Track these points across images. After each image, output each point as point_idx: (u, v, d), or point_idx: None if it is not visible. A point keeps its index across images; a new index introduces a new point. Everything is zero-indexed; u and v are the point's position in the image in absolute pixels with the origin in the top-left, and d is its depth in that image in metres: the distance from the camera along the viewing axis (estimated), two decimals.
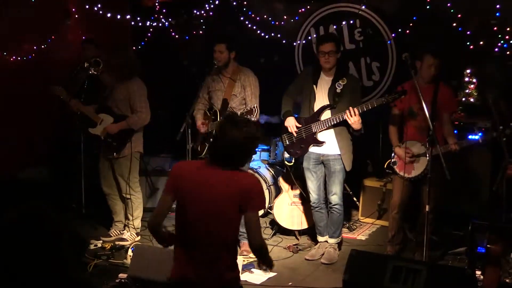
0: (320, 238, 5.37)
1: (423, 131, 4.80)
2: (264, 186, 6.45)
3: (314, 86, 5.09)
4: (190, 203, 2.97)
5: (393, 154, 5.04)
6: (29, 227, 2.01)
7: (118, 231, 5.61)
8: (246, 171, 3.18)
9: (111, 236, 5.56)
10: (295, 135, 5.13)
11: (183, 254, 3.01)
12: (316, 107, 5.07)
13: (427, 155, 4.65)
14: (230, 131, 2.96)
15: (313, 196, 5.25)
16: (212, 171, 2.98)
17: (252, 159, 6.73)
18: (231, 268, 3.10)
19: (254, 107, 4.87)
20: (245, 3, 7.29)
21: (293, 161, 5.74)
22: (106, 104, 5.48)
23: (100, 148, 5.57)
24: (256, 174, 6.47)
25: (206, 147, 5.29)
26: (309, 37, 7.17)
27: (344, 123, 4.95)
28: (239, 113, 4.95)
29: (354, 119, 4.74)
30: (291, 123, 5.11)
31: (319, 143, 5.06)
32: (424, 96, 4.46)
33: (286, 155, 5.80)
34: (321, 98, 5.06)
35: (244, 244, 5.41)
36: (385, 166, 5.14)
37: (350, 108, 4.75)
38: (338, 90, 4.99)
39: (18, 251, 1.97)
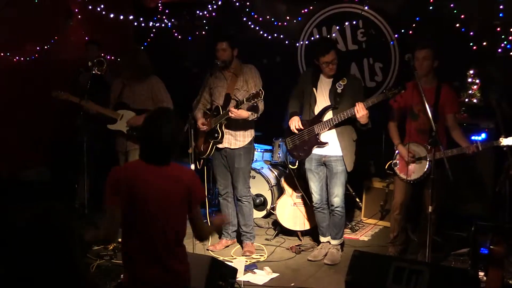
0: (322, 239, 5.37)
1: (424, 133, 4.80)
2: (267, 187, 6.46)
3: (314, 89, 5.09)
4: (144, 205, 2.91)
5: (395, 154, 5.02)
6: (43, 227, 2.01)
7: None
8: (180, 164, 3.12)
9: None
10: (297, 131, 5.11)
11: (141, 257, 2.94)
12: (317, 110, 5.07)
13: (428, 159, 4.65)
14: (163, 127, 2.94)
15: (316, 197, 5.25)
16: (155, 170, 2.96)
17: (255, 159, 6.75)
18: (183, 261, 3.09)
19: (260, 90, 4.88)
20: (248, 3, 7.30)
21: (297, 164, 5.73)
22: (122, 101, 5.52)
23: (119, 142, 5.59)
24: (259, 175, 6.48)
25: (210, 145, 5.28)
26: (312, 38, 7.17)
27: (346, 123, 4.95)
28: (245, 98, 4.95)
29: (361, 113, 4.72)
30: (295, 121, 5.11)
31: (322, 144, 5.06)
32: (426, 97, 4.44)
33: (290, 158, 5.80)
34: (322, 100, 5.06)
35: (247, 244, 5.42)
36: (386, 167, 5.13)
37: (357, 103, 4.74)
38: (339, 90, 4.98)
39: (31, 251, 1.98)
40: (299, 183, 5.79)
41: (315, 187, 5.23)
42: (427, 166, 4.72)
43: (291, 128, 5.12)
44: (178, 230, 3.05)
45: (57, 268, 2.00)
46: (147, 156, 2.99)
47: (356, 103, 4.74)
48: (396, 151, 5.00)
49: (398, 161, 4.96)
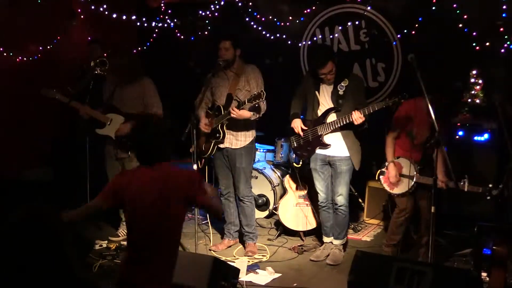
0: (325, 239, 5.37)
1: (418, 147, 4.84)
2: (269, 187, 6.46)
3: (317, 92, 5.10)
4: (137, 208, 3.08)
5: (384, 164, 5.01)
6: (33, 228, 2.01)
7: (125, 231, 5.62)
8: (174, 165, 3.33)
9: (119, 236, 5.57)
10: (302, 135, 5.13)
11: (134, 258, 3.09)
12: (320, 112, 5.08)
13: (414, 180, 4.74)
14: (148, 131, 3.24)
15: (321, 195, 5.26)
16: (146, 171, 3.16)
17: (257, 159, 6.75)
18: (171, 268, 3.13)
19: (261, 91, 4.88)
20: (250, 4, 7.29)
21: (300, 163, 5.74)
22: (112, 104, 5.50)
23: (107, 148, 5.57)
24: (261, 175, 6.48)
25: (212, 145, 5.28)
26: (315, 38, 7.17)
27: (350, 125, 4.95)
28: (246, 99, 4.95)
29: (359, 122, 4.76)
30: (297, 125, 5.12)
31: (325, 146, 5.06)
32: (422, 116, 4.54)
33: (293, 156, 5.82)
34: (325, 103, 5.07)
35: (249, 244, 5.42)
36: (376, 176, 5.13)
37: (354, 112, 4.75)
38: (341, 92, 4.99)
39: (23, 251, 1.98)
40: (302, 182, 5.80)
41: (320, 186, 5.24)
42: (409, 185, 4.80)
43: (296, 131, 5.13)
44: (172, 232, 3.11)
45: (49, 269, 2.00)
46: (139, 159, 3.25)
47: (353, 112, 4.76)
48: (386, 163, 4.99)
49: (385, 171, 4.98)
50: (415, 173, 4.75)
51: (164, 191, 3.07)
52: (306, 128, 5.12)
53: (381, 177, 5.03)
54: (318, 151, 5.13)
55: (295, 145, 5.29)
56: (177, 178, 3.14)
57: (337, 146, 5.06)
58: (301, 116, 5.22)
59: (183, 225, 3.19)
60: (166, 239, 3.08)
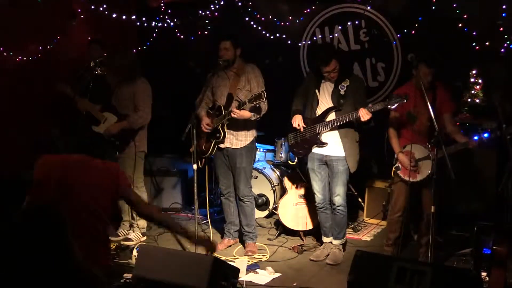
0: (325, 239, 5.37)
1: (422, 134, 4.82)
2: (269, 187, 6.46)
3: (317, 90, 5.10)
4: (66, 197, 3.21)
5: (395, 159, 4.99)
6: (33, 228, 2.01)
7: (125, 231, 5.64)
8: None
9: (119, 236, 5.58)
10: (301, 130, 5.12)
11: None
12: (319, 112, 5.08)
13: (431, 157, 4.65)
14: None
15: (318, 196, 5.25)
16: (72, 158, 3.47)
17: (257, 159, 6.75)
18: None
19: (262, 91, 4.88)
20: (250, 3, 7.30)
21: (295, 160, 5.75)
22: (111, 103, 5.52)
23: (103, 147, 5.58)
24: (261, 175, 6.48)
25: (212, 145, 5.28)
26: (314, 38, 7.18)
27: (349, 125, 4.95)
28: (247, 99, 4.95)
29: (367, 118, 4.73)
30: (298, 120, 5.12)
31: (322, 144, 5.06)
32: (419, 94, 4.49)
33: (291, 154, 5.85)
34: (325, 102, 5.07)
35: (249, 244, 5.42)
36: (392, 174, 5.09)
37: (361, 109, 4.73)
38: (342, 92, 4.99)
39: (24, 251, 1.98)
40: (302, 181, 5.82)
41: (317, 186, 5.23)
42: (431, 165, 4.70)
43: (294, 126, 5.13)
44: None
45: (56, 267, 2.00)
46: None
47: (360, 109, 4.74)
48: (396, 157, 4.97)
49: (399, 165, 4.95)
50: (429, 152, 4.71)
51: (88, 176, 3.32)
52: (305, 125, 5.13)
53: (398, 172, 4.95)
54: (315, 150, 5.13)
55: (292, 142, 5.30)
56: (103, 167, 3.46)
57: (334, 145, 5.06)
58: (303, 114, 5.22)
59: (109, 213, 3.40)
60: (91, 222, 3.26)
